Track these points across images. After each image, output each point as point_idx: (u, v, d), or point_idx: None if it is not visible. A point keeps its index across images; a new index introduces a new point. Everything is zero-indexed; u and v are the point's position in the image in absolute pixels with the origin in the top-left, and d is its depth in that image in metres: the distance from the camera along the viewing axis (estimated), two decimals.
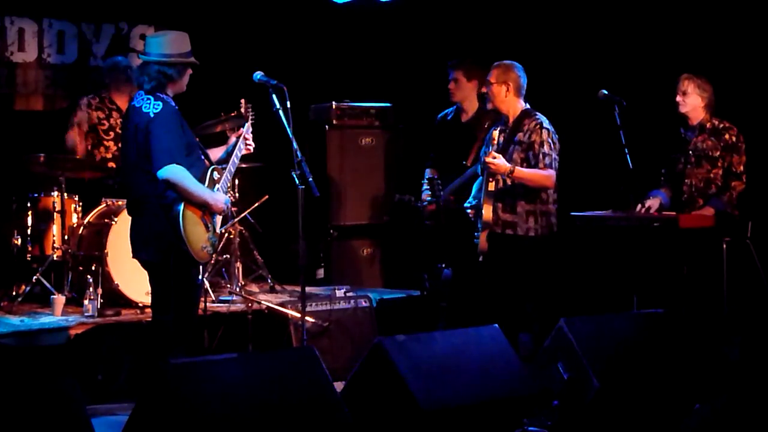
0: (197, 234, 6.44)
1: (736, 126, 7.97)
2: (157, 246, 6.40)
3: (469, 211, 7.75)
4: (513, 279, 7.63)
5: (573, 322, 6.34)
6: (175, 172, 6.29)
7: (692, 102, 7.97)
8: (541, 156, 7.51)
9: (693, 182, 7.98)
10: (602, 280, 8.59)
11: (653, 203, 7.88)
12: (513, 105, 7.67)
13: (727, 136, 7.94)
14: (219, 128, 8.52)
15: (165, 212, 6.34)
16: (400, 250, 9.65)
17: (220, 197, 6.57)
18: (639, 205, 7.84)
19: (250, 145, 6.92)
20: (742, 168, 7.91)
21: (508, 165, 7.40)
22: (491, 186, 7.53)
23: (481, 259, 7.65)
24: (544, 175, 7.50)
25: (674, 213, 7.79)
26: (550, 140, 7.54)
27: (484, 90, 7.68)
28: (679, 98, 7.97)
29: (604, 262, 8.49)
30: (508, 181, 7.52)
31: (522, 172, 7.44)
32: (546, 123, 7.59)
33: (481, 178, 7.82)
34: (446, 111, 8.94)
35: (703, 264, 7.74)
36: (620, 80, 8.45)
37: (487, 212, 7.56)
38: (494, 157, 7.37)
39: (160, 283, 6.50)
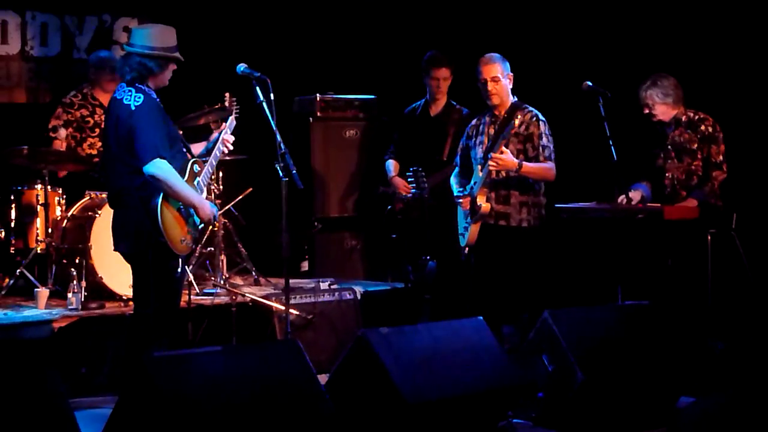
0: (176, 227, 6.39)
1: (715, 116, 7.94)
2: (136, 238, 6.35)
3: (461, 200, 7.74)
4: (504, 270, 7.66)
5: (557, 314, 6.34)
6: (162, 169, 6.20)
7: (661, 110, 7.92)
8: (541, 148, 7.59)
9: (675, 175, 7.95)
10: (587, 271, 8.60)
11: (635, 196, 7.87)
12: (508, 97, 7.72)
13: (703, 128, 7.91)
14: (202, 120, 8.49)
15: (144, 204, 6.29)
16: (385, 242, 9.63)
17: (208, 205, 6.49)
18: (622, 196, 7.81)
19: (228, 142, 6.82)
20: (721, 158, 7.87)
21: (516, 161, 7.42)
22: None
23: (466, 251, 7.67)
24: (547, 167, 7.60)
25: (659, 204, 7.78)
26: (547, 132, 7.62)
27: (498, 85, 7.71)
28: (646, 111, 7.93)
29: (589, 254, 8.50)
30: (511, 173, 7.56)
31: (528, 166, 7.48)
32: (540, 115, 7.66)
33: (458, 168, 7.87)
34: (414, 104, 8.97)
35: (688, 256, 7.73)
36: (605, 72, 8.44)
37: (486, 204, 7.58)
38: (502, 152, 7.38)
39: (140, 275, 6.47)
